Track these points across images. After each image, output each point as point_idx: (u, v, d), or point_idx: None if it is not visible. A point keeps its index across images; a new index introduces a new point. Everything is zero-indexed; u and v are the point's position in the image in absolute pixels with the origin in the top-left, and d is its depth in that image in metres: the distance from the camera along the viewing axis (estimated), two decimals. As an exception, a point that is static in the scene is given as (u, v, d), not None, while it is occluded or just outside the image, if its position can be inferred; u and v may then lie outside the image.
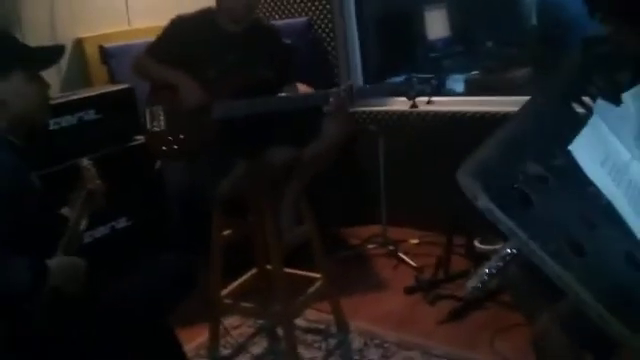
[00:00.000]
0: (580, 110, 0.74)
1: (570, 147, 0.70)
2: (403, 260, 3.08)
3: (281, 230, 2.32)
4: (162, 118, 2.29)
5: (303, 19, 3.43)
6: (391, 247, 3.19)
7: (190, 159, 2.31)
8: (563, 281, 0.62)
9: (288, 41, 2.68)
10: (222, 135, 2.21)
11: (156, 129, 2.30)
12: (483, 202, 0.62)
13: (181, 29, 2.33)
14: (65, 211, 1.77)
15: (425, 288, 2.77)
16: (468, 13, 4.23)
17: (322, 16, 3.44)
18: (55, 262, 1.52)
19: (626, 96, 0.79)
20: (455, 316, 2.56)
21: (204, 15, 2.35)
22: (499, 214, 0.61)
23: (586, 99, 0.76)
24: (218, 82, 2.27)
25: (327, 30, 3.46)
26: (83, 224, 1.71)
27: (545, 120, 0.74)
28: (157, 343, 1.82)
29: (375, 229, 3.33)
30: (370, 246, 3.29)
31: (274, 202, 2.32)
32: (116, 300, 1.61)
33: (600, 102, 0.76)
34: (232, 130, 2.22)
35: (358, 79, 3.55)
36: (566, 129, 0.71)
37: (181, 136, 2.26)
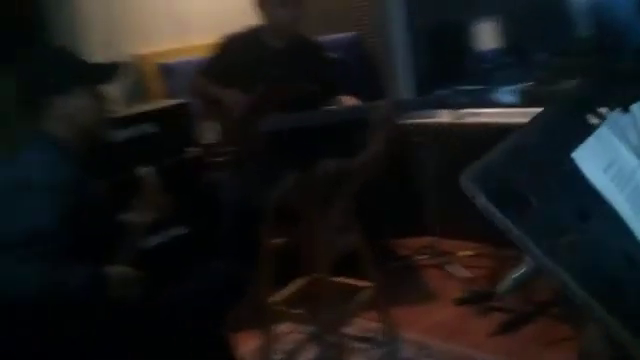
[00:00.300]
0: (594, 121, 0.76)
1: (573, 154, 0.72)
2: (453, 272, 3.08)
3: (329, 239, 2.36)
4: (214, 131, 2.39)
5: (352, 34, 3.49)
6: (441, 259, 3.19)
7: (240, 170, 2.39)
8: (558, 279, 0.64)
9: (335, 55, 2.75)
10: (270, 147, 2.29)
11: (208, 141, 2.40)
12: (480, 200, 0.65)
13: (229, 48, 2.45)
14: (126, 218, 1.87)
15: (475, 300, 2.76)
16: (520, 24, 4.20)
17: (372, 30, 3.50)
18: (114, 271, 1.61)
19: (635, 107, 0.81)
20: (505, 328, 2.54)
21: (250, 33, 2.46)
22: (494, 210, 0.65)
23: (603, 110, 0.78)
24: (265, 96, 2.35)
25: (377, 44, 3.51)
26: (143, 232, 1.80)
27: (554, 129, 0.76)
28: (209, 348, 1.89)
29: (425, 240, 3.34)
30: (420, 257, 3.29)
31: (323, 212, 2.37)
32: (169, 307, 1.68)
33: (612, 113, 0.78)
34: (280, 142, 2.30)
35: (407, 91, 3.58)
36: (575, 139, 0.74)
37: (232, 148, 2.35)
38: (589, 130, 0.75)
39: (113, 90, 3.03)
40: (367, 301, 2.52)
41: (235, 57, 2.47)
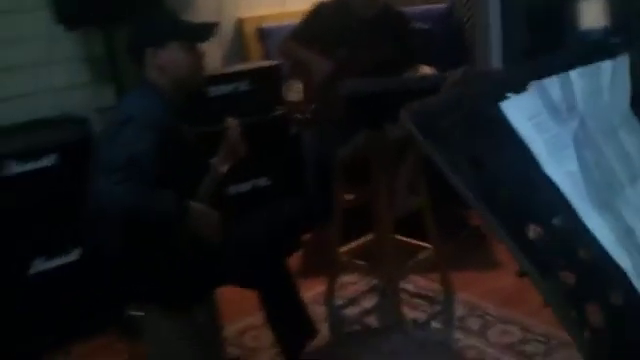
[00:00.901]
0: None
1: (501, 104, 0.87)
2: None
3: (394, 199, 2.54)
4: (298, 90, 2.61)
5: (443, 5, 3.56)
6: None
7: (320, 127, 2.61)
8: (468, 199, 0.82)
9: (423, 26, 2.87)
10: (348, 107, 2.47)
11: (293, 99, 2.63)
12: (410, 127, 0.83)
13: (319, 15, 2.65)
14: (211, 162, 2.14)
15: (537, 272, 2.83)
16: (628, 2, 4.05)
17: (464, 1, 3.55)
18: (194, 205, 1.89)
19: (573, 73, 0.93)
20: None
21: (340, 2, 2.63)
22: (419, 137, 0.83)
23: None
24: (348, 61, 2.54)
25: (469, 15, 3.57)
26: (223, 171, 2.07)
27: (491, 88, 0.92)
28: (276, 281, 2.15)
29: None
30: (491, 228, 3.38)
31: (390, 172, 2.54)
32: (242, 230, 1.95)
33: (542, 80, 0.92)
34: (357, 103, 2.47)
35: (497, 65, 3.61)
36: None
37: (313, 106, 2.57)
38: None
39: (215, 50, 3.37)
40: (426, 260, 2.68)
41: (324, 23, 2.67)
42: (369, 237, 2.84)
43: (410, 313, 2.64)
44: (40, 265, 2.55)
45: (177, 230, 1.80)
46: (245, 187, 3.05)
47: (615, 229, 0.89)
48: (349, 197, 2.70)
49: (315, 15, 2.70)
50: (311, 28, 2.68)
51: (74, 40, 2.91)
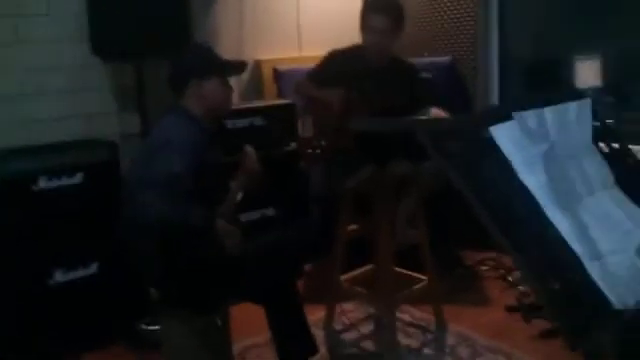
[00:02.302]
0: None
1: (490, 128, 1.10)
2: (511, 284, 3.33)
3: (393, 231, 2.74)
4: (311, 127, 2.84)
5: (447, 57, 3.84)
6: (502, 271, 3.45)
7: (328, 162, 2.83)
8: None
9: (429, 75, 3.12)
10: (356, 143, 2.69)
11: (305, 135, 2.86)
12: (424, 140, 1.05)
13: (334, 60, 2.90)
14: (232, 184, 2.35)
15: (525, 309, 3.00)
16: (624, 64, 4.33)
17: (466, 54, 3.83)
18: (219, 221, 2.09)
19: (547, 109, 1.17)
20: (545, 335, 2.77)
21: (353, 50, 2.88)
22: (431, 148, 1.04)
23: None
24: (358, 102, 2.77)
25: (470, 67, 3.84)
26: (239, 196, 2.28)
27: (487, 118, 1.15)
28: (282, 297, 2.33)
29: (491, 254, 3.60)
30: (483, 268, 3.56)
31: (391, 206, 2.75)
32: (252, 249, 2.15)
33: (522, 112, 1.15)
34: (365, 141, 2.69)
35: (494, 115, 3.86)
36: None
37: (323, 142, 2.78)
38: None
39: (234, 87, 3.61)
40: (421, 291, 2.86)
41: (337, 69, 2.90)
42: (369, 267, 3.02)
43: (404, 340, 2.81)
44: (60, 276, 2.73)
45: (205, 242, 1.99)
46: (254, 215, 3.26)
47: (572, 224, 1.12)
48: (352, 228, 2.89)
49: (329, 60, 2.95)
50: (325, 72, 2.92)
51: (107, 71, 3.17)
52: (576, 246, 1.12)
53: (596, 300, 1.09)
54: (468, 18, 3.81)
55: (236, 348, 2.67)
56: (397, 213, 2.79)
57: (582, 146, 1.23)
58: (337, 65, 2.90)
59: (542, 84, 4.15)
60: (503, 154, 1.17)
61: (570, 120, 1.24)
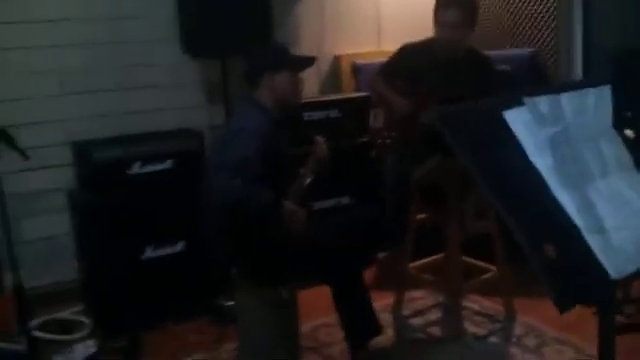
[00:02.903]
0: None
1: (504, 113, 1.17)
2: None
3: (463, 220, 2.78)
4: (382, 118, 2.95)
5: (528, 49, 3.80)
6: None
7: (398, 152, 2.92)
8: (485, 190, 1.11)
9: (507, 68, 3.13)
10: (425, 133, 2.76)
11: (376, 126, 2.97)
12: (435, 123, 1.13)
13: (405, 53, 2.98)
14: (301, 170, 2.50)
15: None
16: None
17: (548, 46, 3.77)
18: (286, 203, 2.26)
19: (562, 96, 1.21)
20: (621, 331, 2.71)
21: (426, 43, 2.95)
22: (446, 133, 1.12)
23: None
24: (428, 96, 2.84)
25: (552, 59, 3.78)
26: (308, 180, 2.42)
27: (498, 104, 1.23)
28: (349, 278, 2.46)
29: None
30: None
31: (461, 196, 2.79)
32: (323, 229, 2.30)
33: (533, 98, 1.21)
34: (433, 132, 2.76)
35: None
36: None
37: (393, 133, 2.88)
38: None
39: (314, 81, 3.79)
40: (490, 281, 2.88)
41: (408, 61, 2.99)
42: (439, 256, 3.08)
43: (471, 328, 2.85)
44: (150, 252, 3.00)
45: (272, 221, 2.16)
46: (329, 204, 3.40)
47: (577, 202, 1.18)
48: (422, 217, 2.97)
49: (401, 54, 3.03)
50: (396, 65, 3.02)
51: (195, 68, 3.43)
52: (578, 220, 1.18)
53: (592, 269, 1.14)
54: (551, 9, 3.75)
55: (308, 327, 2.83)
56: (466, 203, 2.83)
57: (600, 130, 1.28)
58: (409, 58, 2.98)
59: (627, 75, 4.00)
60: (515, 136, 1.23)
61: (588, 105, 1.30)
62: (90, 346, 2.67)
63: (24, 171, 2.95)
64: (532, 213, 1.19)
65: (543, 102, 1.24)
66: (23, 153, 2.00)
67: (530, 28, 3.86)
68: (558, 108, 1.24)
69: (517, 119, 1.23)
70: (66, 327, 3.01)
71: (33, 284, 2.93)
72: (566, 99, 1.26)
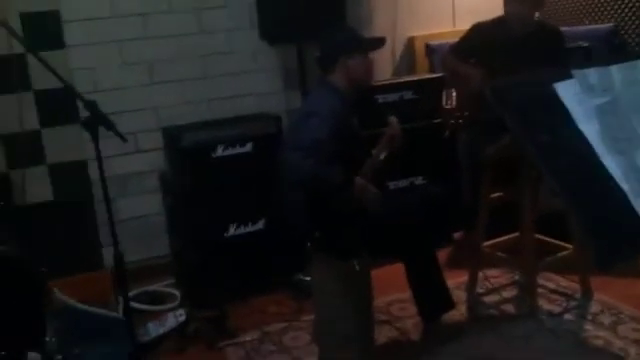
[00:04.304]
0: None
1: (555, 85, 1.21)
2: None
3: (537, 198, 2.79)
4: (454, 99, 2.98)
5: (608, 25, 3.68)
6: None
7: (470, 131, 2.95)
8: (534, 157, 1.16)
9: (584, 44, 3.09)
10: (494, 113, 2.78)
11: (448, 106, 3.00)
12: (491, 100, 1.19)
13: (478, 31, 3.00)
14: (374, 150, 2.59)
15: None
16: None
17: (630, 21, 3.65)
18: (359, 180, 2.36)
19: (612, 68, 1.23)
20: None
21: (497, 21, 2.96)
22: (495, 104, 1.18)
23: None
24: (500, 72, 2.84)
25: (634, 34, 3.65)
26: (381, 158, 2.51)
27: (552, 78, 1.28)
28: (421, 252, 2.55)
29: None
30: None
31: (535, 173, 2.79)
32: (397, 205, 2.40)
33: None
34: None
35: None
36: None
37: (465, 113, 2.91)
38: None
39: (387, 63, 3.86)
40: (565, 259, 2.87)
41: (482, 40, 3.01)
42: (514, 235, 3.09)
43: (546, 305, 2.86)
44: (233, 230, 3.20)
45: (344, 197, 2.27)
46: (403, 183, 3.48)
47: (624, 168, 1.23)
48: (496, 195, 2.98)
49: (473, 31, 3.06)
50: (469, 43, 3.04)
51: (273, 53, 3.59)
52: (624, 184, 1.22)
53: (637, 231, 1.18)
54: (634, -18, 3.62)
55: (381, 301, 2.94)
56: (541, 180, 2.83)
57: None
58: (481, 36, 3.00)
59: None
60: (565, 106, 1.29)
61: (638, 76, 1.33)
62: (180, 315, 2.89)
63: (121, 155, 3.22)
64: (579, 176, 1.25)
65: (592, 74, 1.31)
66: (122, 137, 2.21)
67: (610, 3, 3.74)
68: (607, 79, 1.30)
69: (567, 90, 1.30)
70: (158, 298, 3.28)
71: (127, 259, 3.18)
72: (616, 70, 1.31)
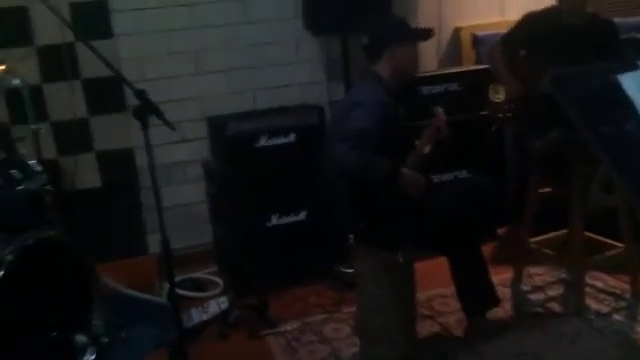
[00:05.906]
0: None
1: (619, 76, 1.16)
2: None
3: (587, 194, 2.70)
4: (501, 92, 2.91)
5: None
6: None
7: (517, 124, 2.88)
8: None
9: (638, 35, 2.98)
10: (544, 107, 2.70)
11: (496, 100, 2.94)
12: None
13: (530, 22, 2.92)
14: (418, 142, 2.56)
15: None
16: None
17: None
18: (405, 171, 2.33)
19: None
20: None
21: (549, 11, 2.88)
22: (557, 94, 1.14)
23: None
24: (551, 65, 2.76)
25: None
26: (427, 149, 2.47)
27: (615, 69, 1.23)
28: (466, 247, 2.51)
29: None
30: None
31: (586, 169, 2.71)
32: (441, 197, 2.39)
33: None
34: (553, 103, 2.69)
35: None
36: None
37: (513, 106, 2.84)
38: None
39: (433, 54, 3.80)
40: (615, 258, 2.79)
41: (533, 31, 2.92)
42: (562, 232, 3.01)
43: (594, 305, 2.78)
44: (275, 220, 3.21)
45: (389, 187, 2.25)
46: (447, 177, 3.43)
47: None
48: (545, 191, 2.91)
49: (525, 22, 2.97)
50: (520, 34, 2.96)
51: (316, 44, 3.57)
52: None
53: None
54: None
55: (423, 296, 2.90)
56: (592, 176, 2.74)
57: None
58: (532, 26, 2.92)
59: None
60: (629, 98, 1.27)
61: None
62: (223, 302, 2.92)
63: (167, 144, 3.26)
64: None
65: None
66: (171, 125, 2.22)
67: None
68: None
69: (632, 82, 1.27)
70: (201, 286, 3.32)
71: (172, 246, 3.24)
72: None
